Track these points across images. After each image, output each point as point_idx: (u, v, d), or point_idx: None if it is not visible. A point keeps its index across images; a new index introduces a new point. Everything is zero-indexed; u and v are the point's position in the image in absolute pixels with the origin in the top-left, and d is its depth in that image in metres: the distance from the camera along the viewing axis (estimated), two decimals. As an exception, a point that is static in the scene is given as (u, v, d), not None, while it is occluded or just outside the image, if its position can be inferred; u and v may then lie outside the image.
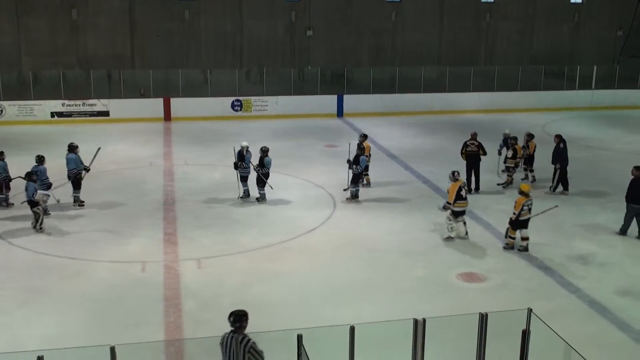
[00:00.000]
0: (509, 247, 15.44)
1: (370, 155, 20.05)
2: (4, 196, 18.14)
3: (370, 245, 15.71)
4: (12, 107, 30.74)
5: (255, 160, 18.66)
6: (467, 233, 16.12)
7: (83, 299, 12.75)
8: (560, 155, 19.75)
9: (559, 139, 19.94)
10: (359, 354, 8.43)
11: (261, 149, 18.66)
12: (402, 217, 17.56)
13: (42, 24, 34.45)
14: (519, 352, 8.94)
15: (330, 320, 11.41)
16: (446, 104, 34.33)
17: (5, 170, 18.07)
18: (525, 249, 15.27)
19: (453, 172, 16.06)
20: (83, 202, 18.32)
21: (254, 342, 8.10)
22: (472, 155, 19.62)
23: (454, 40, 38.42)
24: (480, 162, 19.78)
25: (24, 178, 16.57)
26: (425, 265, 14.46)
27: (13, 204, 18.11)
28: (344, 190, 19.13)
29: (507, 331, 9.43)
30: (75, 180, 18.23)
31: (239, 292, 13.07)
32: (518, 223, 15.23)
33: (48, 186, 17.53)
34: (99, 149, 18.89)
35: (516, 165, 20.23)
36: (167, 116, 31.89)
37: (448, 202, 15.98)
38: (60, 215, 17.60)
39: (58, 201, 17.45)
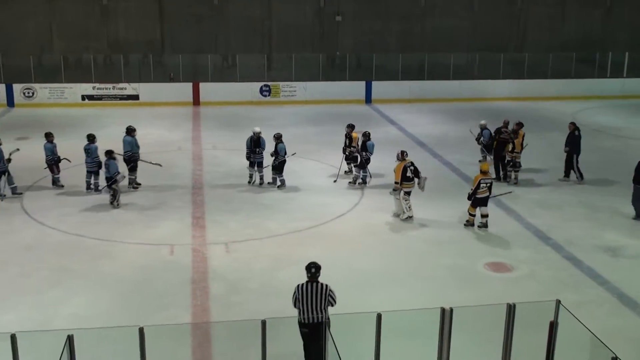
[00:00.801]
0: (469, 224, 15.91)
1: (357, 147, 19.26)
2: (57, 176, 18.45)
3: (398, 232, 15.70)
4: (43, 90, 31.09)
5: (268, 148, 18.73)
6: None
7: (113, 280, 12.92)
8: (573, 143, 19.56)
9: (574, 126, 19.74)
10: (385, 342, 8.44)
11: (274, 135, 18.65)
12: (430, 205, 17.47)
13: (73, 8, 34.66)
14: (545, 344, 8.88)
15: (357, 307, 11.41)
16: (475, 91, 34.03)
17: (54, 152, 18.33)
18: (485, 225, 15.77)
19: (401, 152, 16.37)
20: (139, 184, 18.55)
21: (331, 288, 9.61)
22: (504, 142, 19.50)
23: (484, 26, 37.97)
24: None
25: (105, 156, 17.09)
26: (452, 254, 14.41)
27: (64, 186, 18.42)
28: (334, 182, 19.15)
29: (534, 322, 9.36)
30: (131, 163, 18.42)
31: (266, 276, 13.13)
32: (477, 200, 15.63)
33: (98, 164, 18.00)
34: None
35: (514, 160, 19.35)
36: (196, 100, 32.03)
37: (396, 182, 16.23)
38: (91, 197, 17.81)
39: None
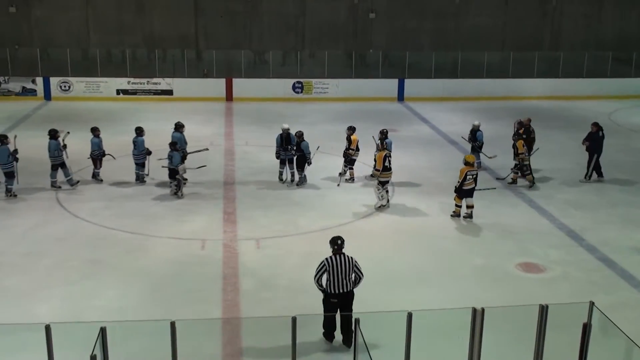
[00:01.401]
0: (455, 214, 16.21)
1: (358, 149, 18.96)
2: (98, 171, 18.66)
3: (428, 231, 15.60)
4: (79, 84, 31.46)
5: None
6: (388, 201, 16.87)
7: (144, 274, 13.02)
8: (596, 143, 19.29)
9: (597, 127, 19.45)
10: (416, 341, 8.39)
11: (296, 134, 18.61)
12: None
13: (110, 2, 34.99)
14: (578, 346, 8.76)
15: (386, 306, 11.38)
16: (509, 89, 33.71)
17: (100, 146, 18.51)
18: (470, 216, 16.10)
19: (381, 141, 16.98)
20: (186, 179, 18.56)
21: (355, 259, 10.32)
22: (532, 141, 19.37)
23: (518, 24, 37.54)
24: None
25: (169, 148, 17.49)
26: (484, 254, 14.28)
27: (102, 180, 18.61)
28: (339, 174, 19.02)
29: (567, 324, 9.26)
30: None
31: (296, 273, 13.14)
32: (463, 192, 15.92)
33: (145, 156, 18.47)
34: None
35: (521, 163, 18.82)
36: (229, 96, 32.16)
37: (377, 170, 16.60)
38: (125, 191, 17.98)
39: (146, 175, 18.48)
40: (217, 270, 13.20)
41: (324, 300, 10.36)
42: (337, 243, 10.29)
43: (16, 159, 17.31)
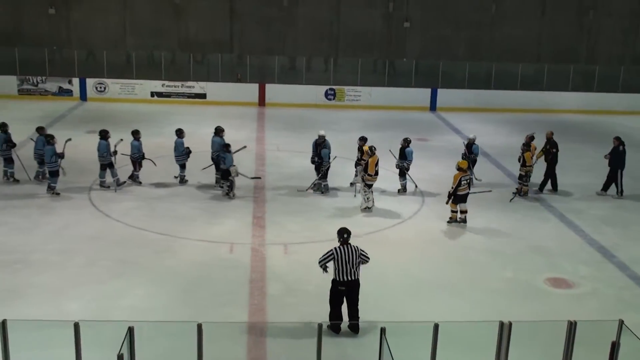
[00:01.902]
0: (452, 221, 16.42)
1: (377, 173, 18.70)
2: (137, 173, 18.82)
3: (458, 242, 15.52)
4: (114, 85, 31.86)
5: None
6: (373, 202, 17.35)
7: (172, 275, 13.11)
8: (618, 158, 19.14)
9: (619, 141, 19.27)
10: (441, 352, 8.34)
11: (316, 141, 18.69)
12: (492, 216, 17.25)
13: (146, 6, 35.36)
14: (606, 364, 8.65)
15: (412, 316, 11.36)
16: (542, 102, 33.47)
17: (139, 149, 18.66)
18: (464, 221, 16.36)
19: (370, 148, 17.26)
20: (232, 181, 18.78)
21: (361, 247, 10.98)
22: (555, 153, 19.40)
23: (554, 36, 37.19)
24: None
25: (222, 149, 17.93)
26: (512, 267, 14.16)
27: (141, 183, 18.75)
28: (351, 184, 18.98)
29: (595, 342, 9.13)
30: (217, 162, 18.70)
31: (323, 279, 12.98)
32: (458, 197, 16.18)
33: (185, 158, 18.72)
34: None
35: (527, 174, 18.85)
36: (262, 101, 32.33)
37: (369, 175, 17.04)
38: (156, 192, 18.14)
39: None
40: (244, 274, 13.25)
41: (331, 290, 10.95)
42: (343, 235, 10.96)
43: (61, 156, 17.62)
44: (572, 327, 8.55)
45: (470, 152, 19.54)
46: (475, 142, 19.69)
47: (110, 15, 35.20)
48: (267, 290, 12.64)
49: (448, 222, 16.51)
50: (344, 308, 11.06)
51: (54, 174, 17.53)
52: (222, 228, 15.76)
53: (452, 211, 16.44)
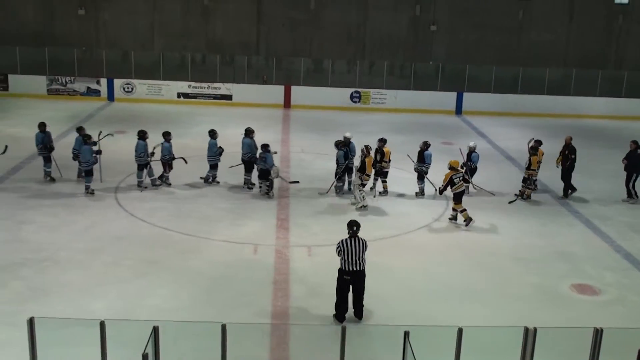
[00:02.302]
0: (467, 220, 16.50)
1: (390, 160, 18.74)
2: (167, 175, 18.88)
3: (482, 247, 15.41)
4: (142, 86, 32.12)
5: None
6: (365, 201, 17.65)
7: (196, 275, 13.17)
8: (636, 161, 18.99)
9: (636, 144, 19.06)
10: (465, 357, 8.30)
11: (335, 143, 18.76)
12: (517, 221, 17.13)
13: (175, 7, 35.58)
14: (632, 372, 8.54)
15: (436, 320, 11.31)
16: (569, 107, 33.18)
17: (170, 151, 18.73)
18: (455, 218, 16.78)
19: (366, 146, 17.55)
20: (253, 184, 18.84)
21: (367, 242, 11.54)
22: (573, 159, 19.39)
23: (582, 42, 36.85)
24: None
25: (261, 149, 18.01)
26: (536, 273, 14.04)
27: (170, 184, 18.82)
28: (371, 188, 18.78)
29: (622, 349, 9.03)
30: (249, 164, 18.74)
31: (346, 282, 13.10)
32: (457, 196, 16.47)
33: (217, 158, 18.86)
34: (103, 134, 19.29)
35: (529, 177, 18.85)
36: (287, 103, 32.40)
37: (367, 174, 17.48)
38: (181, 192, 18.23)
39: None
40: (268, 276, 13.27)
41: (337, 279, 11.42)
42: (352, 228, 11.51)
43: (99, 152, 17.89)
44: (598, 334, 8.47)
45: (469, 160, 19.19)
46: (475, 151, 19.30)
47: (139, 16, 35.46)
48: (291, 291, 12.65)
49: (449, 219, 16.86)
50: (350, 298, 11.51)
51: (89, 174, 17.71)
52: (247, 229, 15.80)
53: (461, 211, 16.56)
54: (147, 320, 8.79)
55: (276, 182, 18.61)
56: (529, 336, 8.41)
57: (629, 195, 19.15)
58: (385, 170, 18.74)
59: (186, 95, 32.36)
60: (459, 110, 32.92)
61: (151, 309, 11.64)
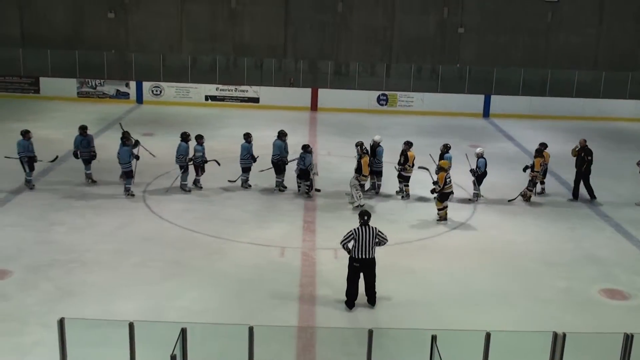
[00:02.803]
0: (442, 219, 16.92)
1: (413, 165, 18.55)
2: (199, 178, 18.95)
3: (510, 251, 15.29)
4: (170, 89, 32.37)
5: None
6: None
7: (224, 277, 13.22)
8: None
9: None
10: (493, 362, 8.24)
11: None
12: (546, 225, 16.98)
13: (203, 10, 35.80)
14: (663, 379, 8.42)
15: (462, 325, 11.24)
16: (599, 110, 32.83)
17: (203, 154, 18.79)
18: (444, 218, 17.09)
19: (360, 146, 18.01)
20: (285, 187, 18.95)
21: (379, 229, 12.08)
22: (589, 161, 19.15)
23: (612, 43, 36.44)
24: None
25: (302, 151, 18.37)
26: (567, 277, 13.89)
27: (202, 187, 18.92)
28: (397, 192, 18.88)
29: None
30: (278, 166, 18.85)
31: (373, 285, 13.07)
32: (444, 196, 16.81)
33: (249, 161, 18.83)
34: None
35: (533, 179, 18.68)
36: (314, 106, 32.44)
37: (364, 175, 17.87)
38: (207, 194, 18.32)
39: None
40: (295, 278, 13.29)
41: (348, 266, 12.04)
42: (364, 217, 12.04)
43: (137, 157, 18.03)
44: (628, 340, 8.36)
45: (476, 167, 18.70)
46: (483, 156, 18.75)
47: (168, 19, 35.74)
48: (317, 294, 12.65)
49: (437, 221, 16.96)
50: (362, 286, 12.16)
51: (129, 175, 17.90)
52: (273, 231, 15.83)
53: (440, 209, 16.92)
54: (175, 322, 8.84)
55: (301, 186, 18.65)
56: (558, 341, 8.32)
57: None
58: (407, 174, 18.63)
59: (214, 98, 32.53)
60: (486, 113, 32.72)
61: (179, 310, 11.71)
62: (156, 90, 32.34)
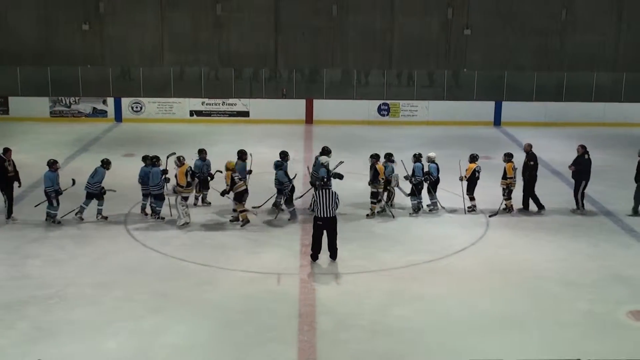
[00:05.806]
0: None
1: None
2: (205, 193, 19.43)
3: (527, 271, 15.33)
4: (151, 105, 32.52)
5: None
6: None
7: (215, 309, 13.25)
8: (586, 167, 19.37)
9: (584, 149, 19.68)
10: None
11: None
12: (566, 242, 17.03)
13: (185, 19, 36.01)
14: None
15: (478, 354, 11.28)
16: (621, 115, 33.00)
17: (208, 169, 19.29)
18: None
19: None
20: (282, 209, 19.03)
21: (337, 194, 15.52)
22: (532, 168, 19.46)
23: (633, 42, 36.68)
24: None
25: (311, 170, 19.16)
26: (590, 299, 13.92)
27: (210, 203, 19.37)
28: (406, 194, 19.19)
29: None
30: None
31: (378, 313, 13.13)
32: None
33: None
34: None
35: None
36: (309, 119, 32.58)
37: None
38: (195, 219, 18.38)
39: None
40: (293, 308, 13.32)
41: (313, 225, 15.37)
42: (323, 180, 16.22)
43: (167, 179, 18.25)
44: (656, 365, 8.42)
45: (429, 173, 19.06)
46: (435, 161, 19.29)
47: (147, 30, 35.99)
48: (318, 325, 12.68)
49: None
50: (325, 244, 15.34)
51: (159, 197, 18.19)
52: (268, 257, 15.89)
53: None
54: (162, 360, 8.89)
55: (298, 205, 18.69)
56: (581, 369, 8.39)
57: (578, 205, 19.25)
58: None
59: (199, 113, 32.69)
60: (497, 121, 32.89)
61: (167, 347, 11.72)
62: (136, 107, 32.48)
